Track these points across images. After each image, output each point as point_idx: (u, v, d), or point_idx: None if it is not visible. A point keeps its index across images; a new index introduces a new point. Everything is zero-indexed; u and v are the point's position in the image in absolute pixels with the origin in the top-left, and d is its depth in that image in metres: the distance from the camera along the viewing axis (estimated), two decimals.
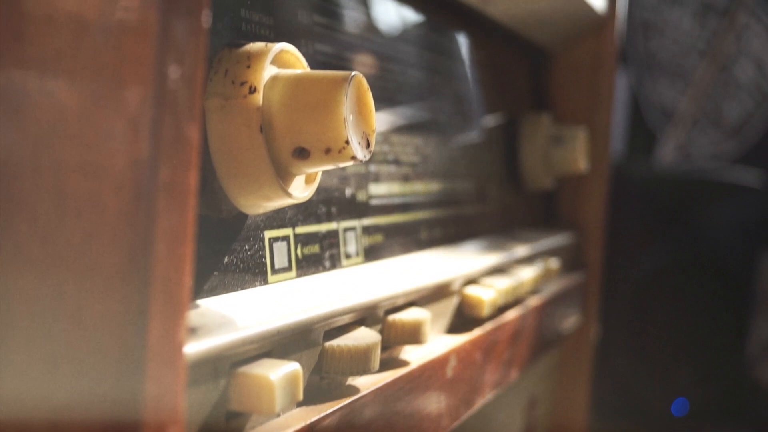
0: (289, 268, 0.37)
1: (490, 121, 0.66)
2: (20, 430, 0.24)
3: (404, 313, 0.41)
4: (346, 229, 0.42)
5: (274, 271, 0.35)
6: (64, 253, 0.24)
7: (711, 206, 1.19)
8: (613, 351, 1.13)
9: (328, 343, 0.34)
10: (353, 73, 0.31)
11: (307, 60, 0.34)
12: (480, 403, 0.49)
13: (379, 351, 0.36)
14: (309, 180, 0.34)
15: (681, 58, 1.43)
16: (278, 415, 0.31)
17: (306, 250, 0.38)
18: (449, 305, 0.48)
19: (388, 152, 0.48)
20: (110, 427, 0.23)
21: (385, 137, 0.47)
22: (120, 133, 0.24)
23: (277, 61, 0.32)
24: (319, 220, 0.39)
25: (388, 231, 0.46)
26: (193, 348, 0.26)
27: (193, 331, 0.27)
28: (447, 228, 0.55)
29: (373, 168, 0.46)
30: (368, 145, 0.33)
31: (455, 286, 0.48)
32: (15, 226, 0.25)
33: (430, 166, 0.53)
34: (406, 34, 0.53)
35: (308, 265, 0.38)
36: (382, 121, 0.47)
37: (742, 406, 1.19)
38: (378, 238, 0.45)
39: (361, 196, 0.44)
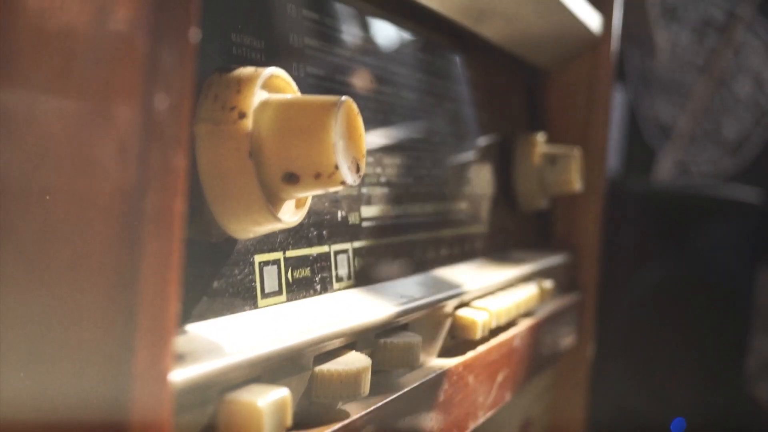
0: (279, 292, 0.36)
1: (484, 141, 0.66)
2: None
3: (396, 336, 0.41)
4: (337, 252, 0.42)
5: (264, 296, 0.35)
6: (51, 279, 0.24)
7: (709, 222, 1.19)
8: (609, 369, 1.12)
9: (318, 368, 0.34)
10: (343, 98, 0.31)
11: (299, 83, 0.35)
12: (473, 426, 0.48)
13: (369, 375, 0.36)
14: (299, 204, 0.34)
15: (679, 75, 1.44)
16: None
17: (297, 274, 0.38)
18: (442, 327, 0.48)
19: (381, 174, 0.48)
20: None
21: (377, 159, 0.47)
22: (108, 159, 0.24)
23: (267, 86, 0.32)
24: (310, 244, 0.39)
25: (381, 253, 0.46)
26: (180, 375, 0.26)
27: (180, 358, 0.27)
28: (440, 249, 0.55)
29: (365, 190, 0.45)
30: (358, 170, 0.33)
31: (448, 309, 0.48)
32: (1, 251, 0.25)
33: (423, 187, 0.53)
34: (398, 55, 0.53)
35: (299, 288, 0.38)
36: (374, 142, 0.47)
37: (740, 426, 1.18)
38: (370, 260, 0.45)
39: (352, 219, 0.44)
